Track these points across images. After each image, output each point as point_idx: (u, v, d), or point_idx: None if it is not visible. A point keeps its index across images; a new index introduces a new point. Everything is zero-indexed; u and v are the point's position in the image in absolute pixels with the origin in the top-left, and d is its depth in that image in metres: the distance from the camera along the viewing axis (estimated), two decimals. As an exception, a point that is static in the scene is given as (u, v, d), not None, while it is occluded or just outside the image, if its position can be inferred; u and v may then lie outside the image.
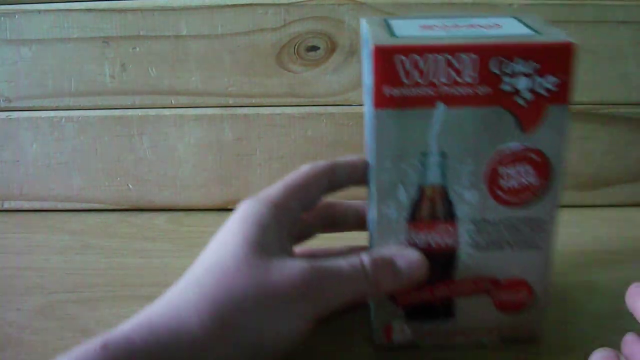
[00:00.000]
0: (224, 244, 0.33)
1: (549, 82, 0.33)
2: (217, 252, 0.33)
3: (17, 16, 0.54)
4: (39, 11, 0.54)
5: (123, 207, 0.59)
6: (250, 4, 0.53)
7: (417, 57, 0.33)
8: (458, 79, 0.33)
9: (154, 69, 0.55)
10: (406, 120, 0.34)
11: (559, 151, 0.35)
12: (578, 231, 0.54)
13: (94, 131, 0.57)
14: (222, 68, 0.55)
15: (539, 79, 0.33)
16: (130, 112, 0.57)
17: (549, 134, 0.34)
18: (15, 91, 0.57)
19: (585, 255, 0.50)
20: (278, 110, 0.56)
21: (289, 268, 0.32)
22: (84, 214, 0.59)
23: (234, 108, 0.56)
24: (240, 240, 0.33)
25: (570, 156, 0.56)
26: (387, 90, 0.33)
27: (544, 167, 0.35)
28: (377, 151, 0.35)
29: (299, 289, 0.32)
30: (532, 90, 0.33)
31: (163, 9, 0.54)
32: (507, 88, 0.33)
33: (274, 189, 0.37)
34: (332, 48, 0.54)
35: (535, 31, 0.35)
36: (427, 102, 0.34)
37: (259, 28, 0.54)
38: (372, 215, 0.37)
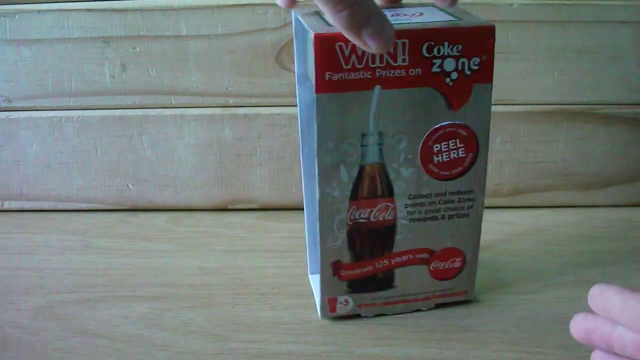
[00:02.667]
0: None
1: (473, 62, 0.37)
2: None
3: (17, 16, 0.54)
4: (39, 11, 0.54)
5: (123, 207, 0.59)
6: (250, 4, 0.53)
7: None
8: (392, 63, 0.36)
9: (153, 69, 0.55)
10: (346, 102, 0.37)
11: (484, 126, 0.38)
12: (578, 231, 0.54)
13: (94, 131, 0.57)
14: (222, 68, 0.55)
15: (464, 60, 0.37)
16: (130, 112, 0.57)
17: (475, 110, 0.38)
18: (15, 91, 0.57)
19: (584, 255, 0.50)
20: (278, 110, 0.56)
21: None
22: (84, 214, 0.59)
23: (234, 108, 0.56)
24: None
25: (570, 156, 0.57)
26: (328, 75, 0.36)
27: (472, 141, 0.39)
28: (320, 134, 0.37)
29: None
30: (458, 71, 0.37)
31: (163, 9, 0.54)
32: (436, 70, 0.37)
33: None
34: (332, 48, 0.54)
35: (456, 17, 0.38)
36: (365, 85, 0.36)
37: (259, 28, 0.54)
38: (315, 195, 0.39)
